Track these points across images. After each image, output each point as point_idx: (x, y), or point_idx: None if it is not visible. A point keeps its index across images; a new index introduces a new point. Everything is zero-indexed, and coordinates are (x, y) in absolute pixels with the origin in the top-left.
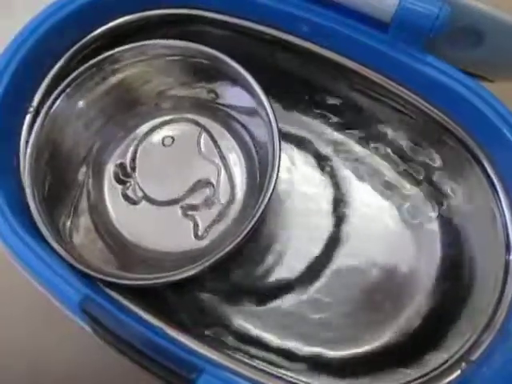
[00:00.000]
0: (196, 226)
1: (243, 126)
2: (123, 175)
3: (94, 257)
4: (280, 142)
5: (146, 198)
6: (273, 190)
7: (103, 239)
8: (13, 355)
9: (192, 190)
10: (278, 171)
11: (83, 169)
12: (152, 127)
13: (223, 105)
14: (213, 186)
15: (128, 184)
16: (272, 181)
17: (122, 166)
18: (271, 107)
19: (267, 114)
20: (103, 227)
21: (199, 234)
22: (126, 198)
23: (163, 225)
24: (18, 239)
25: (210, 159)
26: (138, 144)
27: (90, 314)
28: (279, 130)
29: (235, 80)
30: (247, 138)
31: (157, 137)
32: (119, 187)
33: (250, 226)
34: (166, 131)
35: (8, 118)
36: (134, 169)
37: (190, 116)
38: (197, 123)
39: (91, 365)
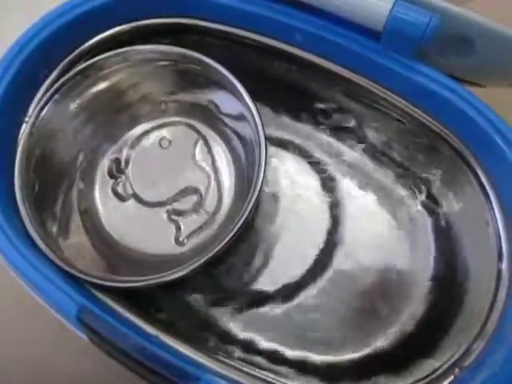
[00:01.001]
0: (178, 231)
1: (234, 131)
2: (116, 170)
3: (81, 255)
4: (266, 146)
5: (135, 196)
6: (259, 192)
7: (90, 236)
8: (12, 360)
9: (180, 194)
10: (264, 175)
11: (74, 167)
12: (150, 128)
13: (218, 111)
14: (201, 195)
15: (119, 180)
16: (258, 184)
17: (117, 160)
18: (257, 109)
19: (253, 117)
20: (91, 224)
21: (180, 239)
22: (116, 193)
23: (147, 225)
24: (15, 251)
25: (202, 167)
26: (136, 142)
27: (86, 324)
28: (265, 134)
29: (223, 84)
30: (238, 144)
31: (154, 137)
32: (111, 182)
33: (239, 225)
34: (165, 133)
35: (5, 127)
36: (127, 165)
37: (188, 121)
38: (195, 129)
39: (90, 369)
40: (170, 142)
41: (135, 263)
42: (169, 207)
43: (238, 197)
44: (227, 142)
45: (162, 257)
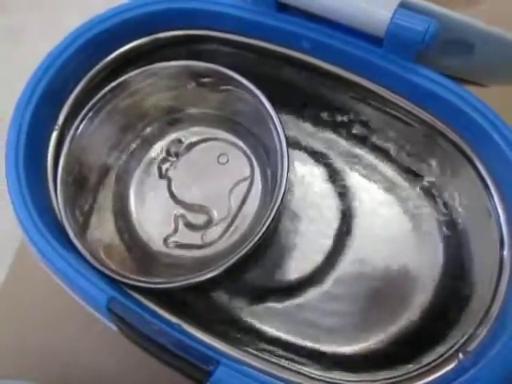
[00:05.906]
0: (172, 233)
1: (268, 164)
2: (174, 152)
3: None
4: (288, 172)
5: (169, 180)
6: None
7: (115, 215)
8: (46, 359)
9: (197, 207)
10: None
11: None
12: (218, 138)
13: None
14: (210, 222)
15: (171, 159)
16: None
17: (179, 142)
18: (285, 136)
19: (281, 147)
20: (119, 202)
21: (168, 241)
22: (159, 168)
23: (156, 209)
24: (49, 247)
25: (230, 203)
26: (198, 143)
27: (115, 314)
28: (289, 157)
29: (249, 101)
30: (269, 177)
31: (218, 147)
32: (161, 156)
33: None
34: (226, 151)
35: (38, 135)
36: (187, 151)
37: (249, 153)
38: (251, 166)
39: (116, 367)
40: (227, 161)
41: (128, 234)
42: (181, 210)
43: (242, 239)
44: (265, 180)
45: (142, 242)
